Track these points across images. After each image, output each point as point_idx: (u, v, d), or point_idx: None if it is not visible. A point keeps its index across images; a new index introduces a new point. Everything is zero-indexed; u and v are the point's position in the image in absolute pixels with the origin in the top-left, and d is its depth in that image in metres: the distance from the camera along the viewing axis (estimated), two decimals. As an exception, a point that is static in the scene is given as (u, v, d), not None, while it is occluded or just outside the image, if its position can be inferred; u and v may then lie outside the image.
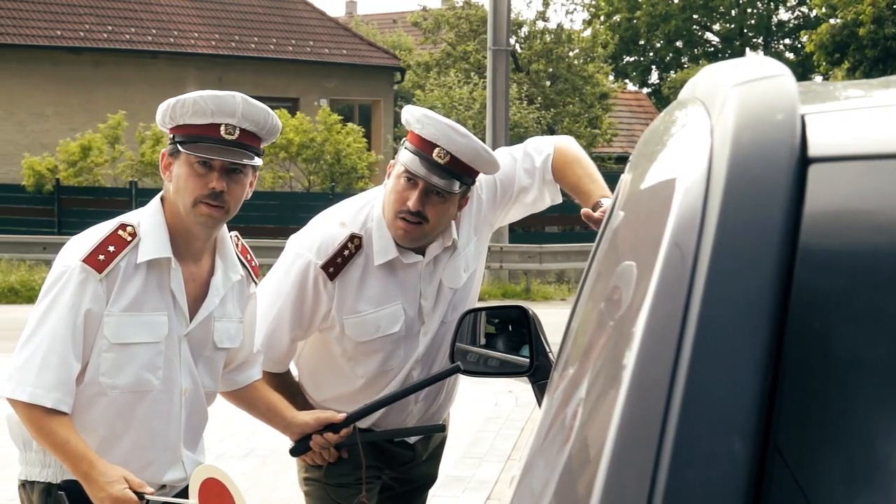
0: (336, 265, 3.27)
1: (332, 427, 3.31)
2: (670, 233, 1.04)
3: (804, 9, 43.92)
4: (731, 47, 44.05)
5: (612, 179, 2.57)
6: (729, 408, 0.93)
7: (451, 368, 3.23)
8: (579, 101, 28.43)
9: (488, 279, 17.72)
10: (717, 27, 45.28)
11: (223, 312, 3.10)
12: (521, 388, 9.62)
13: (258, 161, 3.01)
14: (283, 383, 3.46)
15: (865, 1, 27.24)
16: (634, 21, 42.24)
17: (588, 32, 32.33)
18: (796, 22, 45.12)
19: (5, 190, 22.64)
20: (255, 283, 3.25)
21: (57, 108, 26.16)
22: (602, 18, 41.76)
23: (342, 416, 3.32)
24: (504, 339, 3.24)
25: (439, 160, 3.20)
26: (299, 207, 20.52)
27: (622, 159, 26.51)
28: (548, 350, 3.02)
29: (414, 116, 3.26)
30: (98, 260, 2.90)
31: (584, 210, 3.29)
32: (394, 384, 3.41)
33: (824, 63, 29.23)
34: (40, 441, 2.92)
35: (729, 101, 1.11)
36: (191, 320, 3.04)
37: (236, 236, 3.19)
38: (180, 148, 2.95)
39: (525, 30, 29.01)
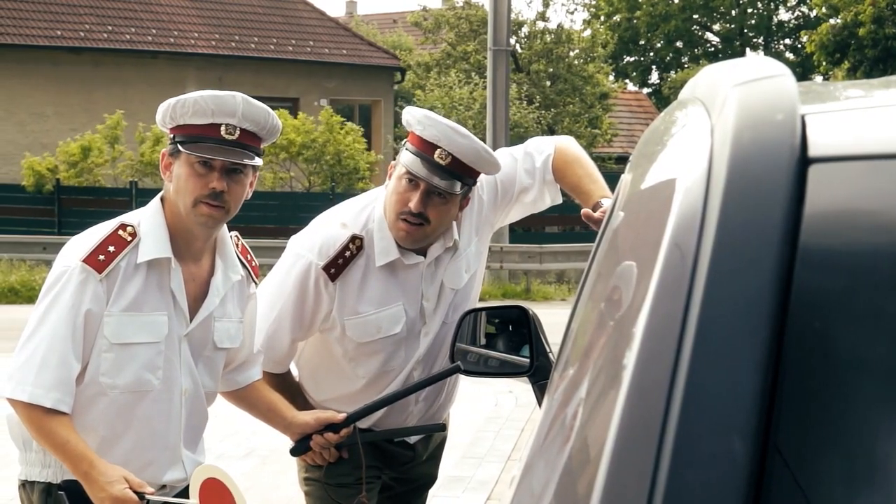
0: (337, 266, 3.27)
1: (333, 427, 3.31)
2: (670, 233, 1.04)
3: (804, 9, 43.92)
4: (732, 47, 44.04)
5: (612, 179, 2.58)
6: (729, 408, 0.93)
7: (451, 368, 3.23)
8: (579, 102, 28.43)
9: (488, 279, 17.72)
10: (717, 27, 45.27)
11: (223, 312, 3.11)
12: (521, 388, 9.62)
13: (258, 161, 3.01)
14: (284, 383, 3.46)
15: (866, 1, 27.23)
16: (634, 21, 42.23)
17: (588, 33, 32.29)
18: (796, 22, 45.11)
19: (5, 190, 22.64)
20: (256, 284, 3.25)
21: (57, 108, 26.16)
22: (602, 18, 41.75)
23: (342, 416, 3.32)
24: (504, 340, 3.24)
25: (440, 161, 3.20)
26: (299, 208, 20.53)
27: (622, 159, 26.50)
28: (548, 350, 3.02)
29: (415, 118, 3.26)
30: (98, 260, 2.90)
31: (584, 210, 3.28)
32: (394, 385, 3.41)
33: (824, 63, 29.21)
34: (40, 441, 2.92)
35: (729, 101, 1.11)
36: (191, 320, 3.04)
37: (236, 236, 3.19)
38: (181, 148, 2.95)
39: (525, 30, 29.01)
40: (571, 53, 29.11)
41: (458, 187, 3.25)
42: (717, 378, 0.95)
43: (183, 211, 2.96)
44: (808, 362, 0.98)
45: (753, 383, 0.94)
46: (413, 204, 3.21)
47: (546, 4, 29.38)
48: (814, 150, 1.06)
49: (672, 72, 43.93)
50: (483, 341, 3.26)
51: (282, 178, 23.42)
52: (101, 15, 27.52)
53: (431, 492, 3.74)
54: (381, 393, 3.40)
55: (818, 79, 32.51)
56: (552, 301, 17.73)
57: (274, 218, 21.08)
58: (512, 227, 19.47)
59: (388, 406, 3.38)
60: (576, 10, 68.19)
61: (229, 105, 2.95)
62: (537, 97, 28.08)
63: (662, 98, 40.44)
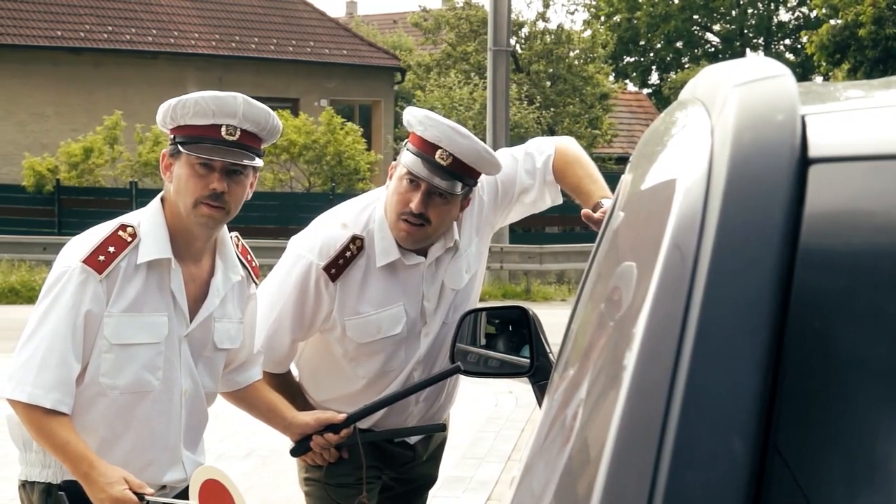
0: (338, 266, 3.28)
1: (333, 427, 3.31)
2: (670, 233, 1.04)
3: (805, 9, 43.90)
4: (732, 48, 44.03)
5: (612, 180, 2.58)
6: (729, 408, 0.93)
7: (451, 369, 3.23)
8: (579, 102, 28.42)
9: (489, 279, 17.72)
10: (717, 28, 45.26)
11: (223, 313, 3.11)
12: (521, 388, 9.62)
13: (259, 162, 3.01)
14: (284, 384, 3.46)
15: (866, 1, 27.22)
16: (634, 21, 42.22)
17: (588, 33, 32.29)
18: (797, 22, 45.10)
19: (5, 190, 22.64)
20: (256, 284, 3.25)
21: (57, 109, 26.16)
22: (602, 19, 41.75)
23: (342, 416, 3.32)
24: (504, 340, 3.24)
25: (441, 162, 3.20)
26: (300, 208, 20.53)
27: (622, 160, 26.50)
28: (548, 350, 3.02)
29: (416, 118, 3.26)
30: (98, 261, 2.90)
31: (584, 211, 3.28)
32: (395, 385, 3.41)
33: (825, 64, 29.21)
34: (40, 441, 2.92)
35: (729, 101, 1.11)
36: (191, 321, 3.04)
37: (236, 237, 3.19)
38: (181, 148, 2.95)
39: (525, 30, 29.00)
40: (571, 54, 29.10)
41: (458, 188, 3.25)
42: (718, 378, 0.95)
43: (183, 211, 2.96)
44: (808, 362, 0.98)
45: (753, 383, 0.94)
46: (414, 204, 3.22)
47: (546, 5, 29.37)
48: (814, 151, 1.06)
49: (672, 72, 43.92)
50: (483, 342, 3.26)
51: (282, 179, 23.41)
52: (101, 15, 27.52)
53: (432, 492, 3.74)
54: (381, 393, 3.40)
55: (818, 79, 32.50)
56: (552, 301, 17.73)
57: (274, 218, 21.08)
58: (512, 227, 19.46)
59: (389, 406, 3.38)
60: (576, 10, 68.22)
61: (230, 106, 2.95)
62: (537, 97, 28.08)
63: (662, 98, 40.43)
